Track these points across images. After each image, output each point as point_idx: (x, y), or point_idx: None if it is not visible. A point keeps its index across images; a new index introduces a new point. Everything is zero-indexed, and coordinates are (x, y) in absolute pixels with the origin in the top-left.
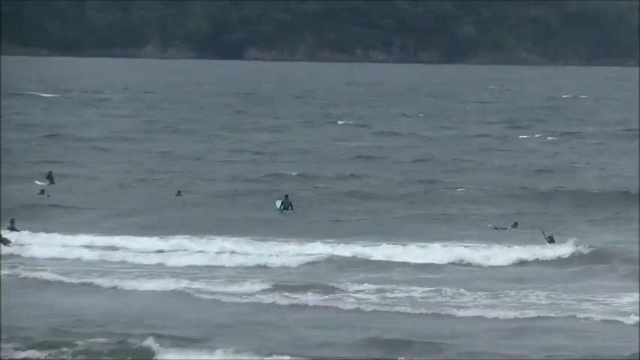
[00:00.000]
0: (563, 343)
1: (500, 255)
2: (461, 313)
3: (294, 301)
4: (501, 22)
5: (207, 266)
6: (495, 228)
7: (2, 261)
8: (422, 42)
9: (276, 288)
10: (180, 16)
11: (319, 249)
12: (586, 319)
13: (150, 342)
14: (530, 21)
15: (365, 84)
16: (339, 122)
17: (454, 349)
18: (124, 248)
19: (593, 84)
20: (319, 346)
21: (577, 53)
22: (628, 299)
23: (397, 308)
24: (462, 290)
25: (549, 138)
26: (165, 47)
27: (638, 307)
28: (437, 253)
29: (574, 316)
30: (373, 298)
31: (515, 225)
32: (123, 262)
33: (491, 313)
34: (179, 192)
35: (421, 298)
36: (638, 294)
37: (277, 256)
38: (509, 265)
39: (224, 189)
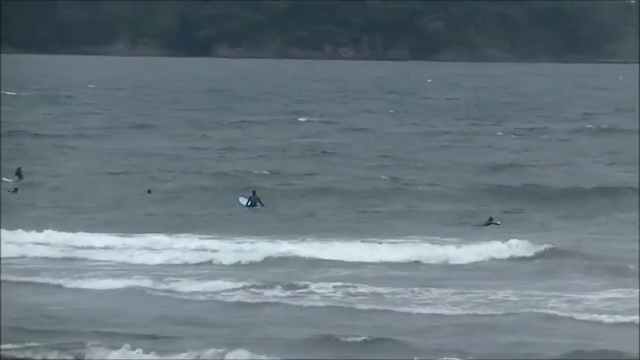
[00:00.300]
0: (526, 339)
1: (469, 252)
2: (426, 310)
3: (259, 299)
4: (470, 19)
5: (173, 264)
6: (470, 225)
7: None
8: (391, 39)
9: (243, 285)
10: (150, 13)
11: (287, 246)
12: (554, 316)
13: (105, 341)
14: (499, 18)
15: (332, 81)
16: (306, 119)
17: (414, 346)
18: (89, 246)
19: (560, 81)
20: (281, 343)
21: (546, 50)
22: (597, 296)
23: (361, 306)
24: (429, 287)
25: (516, 134)
26: (134, 44)
27: (606, 304)
28: (404, 250)
29: (540, 313)
30: (339, 295)
31: (491, 220)
32: (87, 260)
33: (456, 310)
34: (149, 190)
35: (388, 295)
36: (606, 292)
37: (239, 252)
38: (478, 262)
39: (191, 186)
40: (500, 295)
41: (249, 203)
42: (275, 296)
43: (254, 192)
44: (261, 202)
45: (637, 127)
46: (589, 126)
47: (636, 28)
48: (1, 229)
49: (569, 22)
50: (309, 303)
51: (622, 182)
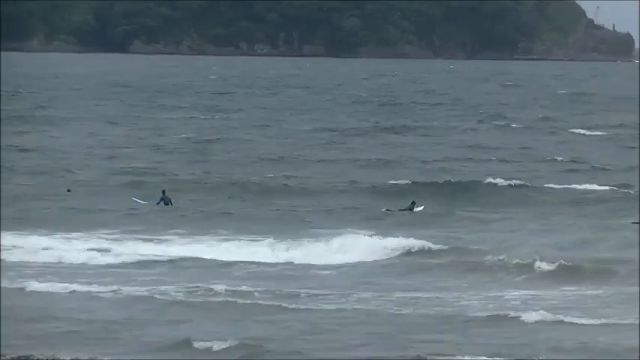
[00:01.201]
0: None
1: (358, 250)
2: (304, 307)
3: (138, 293)
4: (386, 16)
5: (70, 264)
6: (388, 210)
7: None
8: (307, 36)
9: (145, 285)
10: (65, 9)
11: (196, 245)
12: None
13: None
14: (415, 15)
15: (242, 77)
16: (208, 115)
17: (266, 349)
18: None
19: (472, 77)
20: (130, 344)
21: (461, 47)
22: (469, 293)
23: (257, 301)
24: (317, 288)
25: (421, 131)
26: (50, 41)
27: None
28: (288, 249)
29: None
30: (232, 295)
31: (413, 205)
32: None
33: (349, 306)
34: (69, 190)
35: (284, 297)
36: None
37: (143, 252)
38: (362, 262)
39: (104, 183)
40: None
41: (160, 202)
42: (165, 296)
43: (164, 191)
44: (171, 202)
45: (531, 124)
46: (493, 122)
47: (552, 26)
48: None
49: (486, 19)
50: (201, 300)
51: (515, 178)
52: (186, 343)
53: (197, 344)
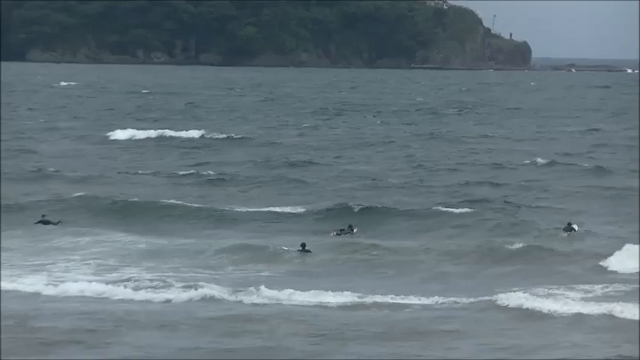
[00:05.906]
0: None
1: None
2: None
3: None
4: (283, 24)
5: None
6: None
7: None
8: (203, 44)
9: None
10: None
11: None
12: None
13: None
14: (312, 23)
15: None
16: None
17: None
18: None
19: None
20: None
21: (359, 55)
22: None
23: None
24: None
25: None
26: None
27: None
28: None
29: None
30: None
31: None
32: None
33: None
34: None
35: None
36: None
37: None
38: None
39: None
40: None
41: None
42: None
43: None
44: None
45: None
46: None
47: (449, 35)
48: None
49: (383, 27)
50: None
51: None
52: None
53: None
